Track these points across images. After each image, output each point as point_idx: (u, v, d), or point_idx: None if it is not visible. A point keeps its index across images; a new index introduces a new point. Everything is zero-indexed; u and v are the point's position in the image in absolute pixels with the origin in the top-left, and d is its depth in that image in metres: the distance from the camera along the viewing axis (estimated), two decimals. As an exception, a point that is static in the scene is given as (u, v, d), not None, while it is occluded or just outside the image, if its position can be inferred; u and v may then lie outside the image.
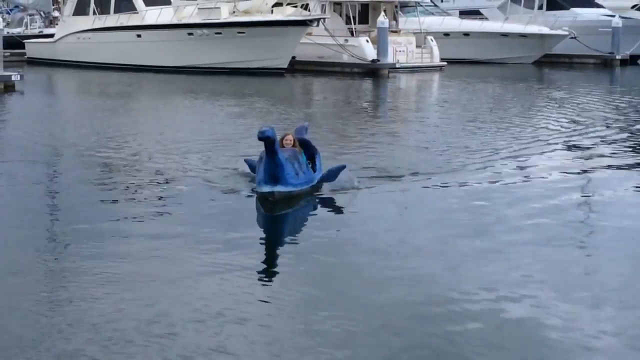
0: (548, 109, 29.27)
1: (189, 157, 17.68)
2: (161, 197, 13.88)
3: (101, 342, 7.71)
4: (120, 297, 8.86)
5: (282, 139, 13.68)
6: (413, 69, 46.46)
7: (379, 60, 44.46)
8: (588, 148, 19.82)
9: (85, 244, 10.77)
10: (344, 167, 14.74)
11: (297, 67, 44.31)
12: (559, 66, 52.30)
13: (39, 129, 22.54)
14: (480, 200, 13.94)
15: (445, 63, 48.09)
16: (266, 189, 12.95)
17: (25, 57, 49.83)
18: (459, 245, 11.14)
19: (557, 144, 20.32)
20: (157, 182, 15.19)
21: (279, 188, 12.93)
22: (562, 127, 23.49)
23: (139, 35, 45.07)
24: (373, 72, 44.00)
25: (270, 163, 12.69)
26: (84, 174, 15.70)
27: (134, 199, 13.87)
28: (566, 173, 16.51)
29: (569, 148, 19.84)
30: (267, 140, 12.22)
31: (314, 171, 14.28)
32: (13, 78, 33.59)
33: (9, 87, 32.98)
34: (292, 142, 13.84)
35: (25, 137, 20.77)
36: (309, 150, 14.49)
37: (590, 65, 53.44)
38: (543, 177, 16.06)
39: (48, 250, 10.72)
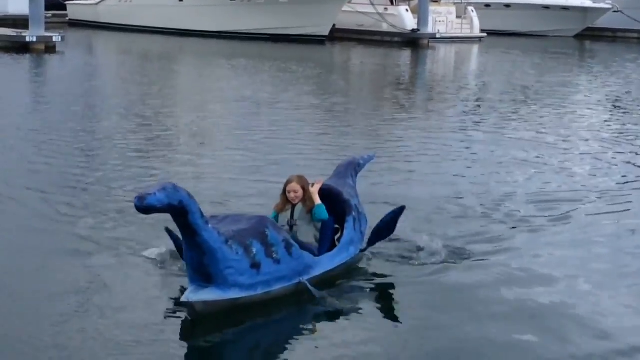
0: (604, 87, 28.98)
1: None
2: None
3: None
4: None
5: (284, 189, 8.51)
6: (452, 40, 46.17)
7: (419, 30, 44.20)
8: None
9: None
10: (402, 208, 9.22)
11: (337, 35, 44.11)
12: (601, 40, 51.67)
13: (75, 89, 22.72)
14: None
15: (485, 34, 47.72)
16: (186, 294, 7.41)
17: (67, 19, 50.01)
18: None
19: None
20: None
21: (207, 294, 7.36)
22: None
23: (180, 0, 45.09)
24: (413, 41, 43.74)
25: (192, 248, 7.23)
26: (118, 137, 15.71)
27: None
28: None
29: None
30: (149, 210, 6.71)
31: (330, 242, 8.59)
32: (54, 39, 33.78)
33: (50, 48, 33.18)
34: (300, 195, 8.44)
35: (62, 97, 20.93)
36: (337, 206, 8.80)
37: (634, 40, 52.73)
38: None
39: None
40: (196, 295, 7.30)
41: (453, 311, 7.86)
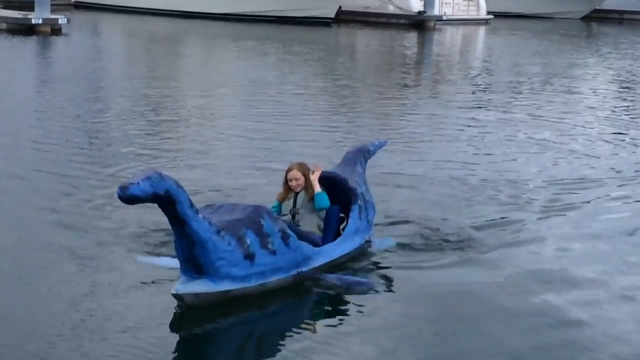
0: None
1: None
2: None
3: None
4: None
5: (285, 177, 8.28)
6: (459, 22, 45.97)
7: (425, 12, 44.01)
8: None
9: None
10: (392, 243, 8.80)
11: (343, 18, 43.95)
12: (608, 22, 51.43)
13: (81, 71, 22.67)
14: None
15: (491, 16, 47.55)
16: (176, 286, 7.12)
17: (73, 1, 49.96)
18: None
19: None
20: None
21: (198, 286, 7.10)
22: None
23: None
24: (419, 24, 43.55)
25: (181, 238, 6.95)
26: (123, 120, 15.63)
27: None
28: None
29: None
30: (133, 201, 6.34)
31: (334, 232, 8.24)
32: (60, 21, 33.75)
33: (56, 30, 33.15)
34: (301, 183, 8.18)
35: (67, 79, 20.86)
36: (342, 195, 8.44)
37: (641, 22, 52.59)
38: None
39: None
40: (186, 287, 7.01)
41: (462, 305, 7.45)
